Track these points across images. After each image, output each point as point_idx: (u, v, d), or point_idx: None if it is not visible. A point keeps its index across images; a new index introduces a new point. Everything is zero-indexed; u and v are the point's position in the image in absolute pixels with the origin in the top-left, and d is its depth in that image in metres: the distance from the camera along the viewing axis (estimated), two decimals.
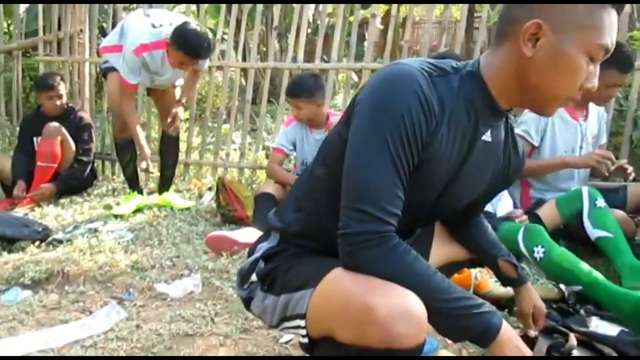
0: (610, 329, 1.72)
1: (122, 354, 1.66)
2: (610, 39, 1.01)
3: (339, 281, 1.00)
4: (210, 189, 3.75)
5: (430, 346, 1.60)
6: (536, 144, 2.67)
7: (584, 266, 2.01)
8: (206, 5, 4.41)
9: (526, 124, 2.69)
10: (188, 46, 2.89)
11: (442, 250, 1.42)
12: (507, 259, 1.44)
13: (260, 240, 1.30)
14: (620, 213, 2.42)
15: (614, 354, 1.58)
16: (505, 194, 2.60)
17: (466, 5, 3.68)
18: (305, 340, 1.08)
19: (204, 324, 1.85)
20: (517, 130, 2.69)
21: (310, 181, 1.19)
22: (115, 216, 3.16)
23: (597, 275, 1.97)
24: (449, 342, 1.72)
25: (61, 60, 4.45)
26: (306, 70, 3.50)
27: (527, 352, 1.04)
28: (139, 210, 3.29)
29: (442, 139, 1.04)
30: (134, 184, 3.45)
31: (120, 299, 2.09)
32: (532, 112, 1.27)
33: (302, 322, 1.07)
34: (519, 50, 1.01)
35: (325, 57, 5.03)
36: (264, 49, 6.70)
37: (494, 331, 1.00)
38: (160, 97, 3.41)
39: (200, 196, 3.68)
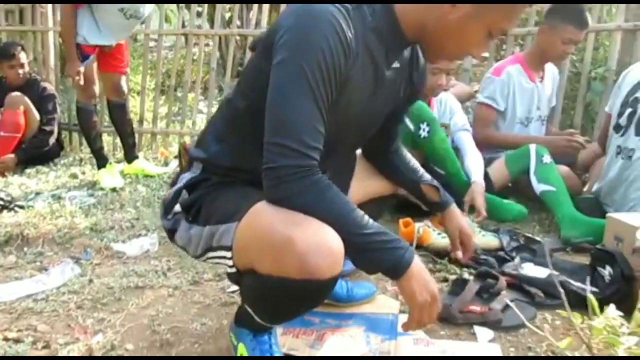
0: (540, 272, 1.82)
1: (72, 305, 1.71)
2: (512, 25, 1.11)
3: (261, 214, 1.04)
4: (176, 157, 3.77)
5: (367, 291, 1.68)
6: (502, 110, 2.75)
7: (454, 158, 2.45)
8: None
9: (489, 90, 2.75)
10: None
11: (363, 185, 1.48)
12: (429, 183, 1.50)
13: (182, 171, 1.31)
14: (565, 169, 2.52)
15: (540, 294, 1.68)
16: (458, 108, 2.70)
17: None
18: (233, 270, 1.13)
19: (156, 278, 1.91)
20: (480, 98, 2.77)
21: (231, 112, 1.22)
22: (112, 189, 3.08)
23: (459, 170, 2.43)
24: (389, 288, 1.80)
25: (23, 30, 4.40)
26: None
27: (434, 287, 1.11)
28: None
29: (358, 71, 1.09)
30: (103, 156, 3.38)
31: (77, 258, 2.13)
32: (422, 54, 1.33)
33: (227, 254, 1.11)
34: (441, 7, 1.07)
35: None
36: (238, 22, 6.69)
37: (404, 265, 1.06)
38: (105, 64, 3.27)
39: (167, 164, 3.71)
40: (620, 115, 2.30)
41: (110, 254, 2.19)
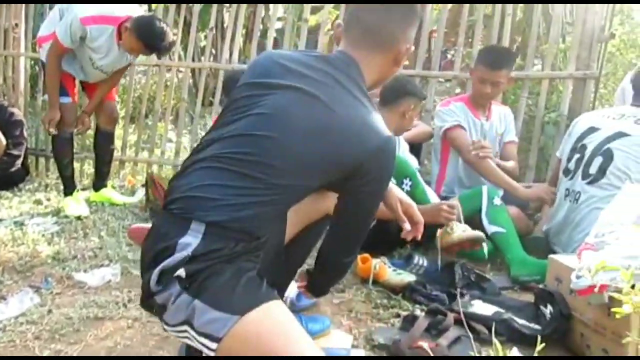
0: (486, 310, 1.91)
1: (30, 336, 1.73)
2: None
3: (263, 329, 1.14)
4: (143, 185, 3.79)
5: (322, 325, 1.74)
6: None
7: None
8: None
9: (448, 115, 2.90)
10: (151, 39, 2.88)
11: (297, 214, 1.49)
12: None
13: (176, 232, 1.22)
14: (515, 210, 2.64)
15: (485, 331, 1.77)
16: (406, 148, 2.85)
17: (429, 10, 3.80)
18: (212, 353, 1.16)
19: (116, 309, 1.94)
20: (447, 125, 2.88)
21: (259, 183, 1.22)
22: (77, 217, 3.08)
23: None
24: (344, 323, 1.87)
25: None
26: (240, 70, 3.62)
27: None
28: None
29: None
30: (72, 183, 3.41)
31: (37, 287, 2.15)
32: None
33: (212, 345, 1.14)
34: (395, 61, 1.39)
35: None
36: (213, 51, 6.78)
37: None
38: (95, 90, 3.39)
39: (134, 193, 3.73)
40: (569, 160, 2.46)
41: (71, 283, 2.21)
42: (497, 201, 2.53)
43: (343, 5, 3.86)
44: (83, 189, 3.62)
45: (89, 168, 4.04)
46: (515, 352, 0.84)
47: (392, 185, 1.55)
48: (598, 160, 2.29)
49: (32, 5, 4.38)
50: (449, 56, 6.37)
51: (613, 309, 0.95)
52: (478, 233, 2.24)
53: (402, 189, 2.44)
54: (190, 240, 1.18)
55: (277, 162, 1.22)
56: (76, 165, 4.06)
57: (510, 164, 2.94)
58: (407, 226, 1.50)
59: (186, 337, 1.18)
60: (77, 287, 2.17)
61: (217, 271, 1.17)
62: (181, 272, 1.16)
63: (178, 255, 1.17)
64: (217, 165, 1.25)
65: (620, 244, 1.62)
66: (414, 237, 1.54)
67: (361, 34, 1.35)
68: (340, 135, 1.23)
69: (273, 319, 1.16)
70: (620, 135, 2.27)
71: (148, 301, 1.23)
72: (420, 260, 2.30)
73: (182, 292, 1.16)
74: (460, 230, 2.22)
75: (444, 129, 2.90)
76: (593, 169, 2.31)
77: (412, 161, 2.78)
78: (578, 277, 1.53)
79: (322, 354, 1.17)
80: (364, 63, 1.34)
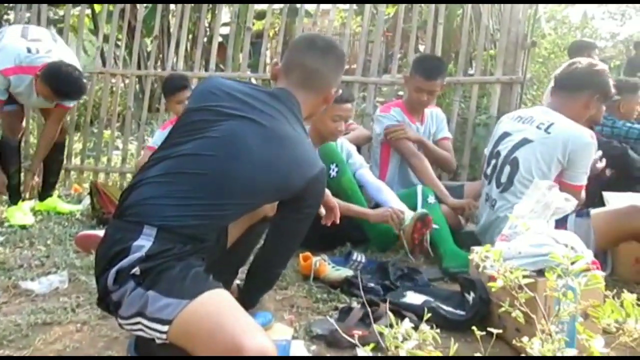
0: (417, 299, 2.08)
1: None
2: None
3: (211, 309, 1.26)
4: (89, 193, 3.80)
5: (264, 319, 1.85)
6: None
7: (361, 197, 2.69)
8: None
9: (387, 119, 3.05)
10: (57, 87, 2.97)
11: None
12: None
13: (130, 236, 1.35)
14: (446, 208, 2.83)
15: (414, 318, 1.93)
16: (354, 150, 2.96)
17: (367, 18, 3.98)
18: (161, 341, 1.28)
19: (64, 314, 1.98)
20: (383, 127, 3.03)
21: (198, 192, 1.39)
22: (21, 227, 3.07)
23: (366, 210, 2.64)
24: (285, 317, 1.99)
25: None
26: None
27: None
28: None
29: None
30: (17, 193, 3.40)
31: None
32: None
33: (163, 328, 1.26)
34: (325, 100, 1.66)
35: (222, 67, 5.21)
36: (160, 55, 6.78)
37: None
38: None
39: (80, 201, 3.73)
40: (488, 164, 2.61)
41: (18, 292, 2.22)
42: (431, 199, 2.71)
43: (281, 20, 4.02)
44: (28, 199, 3.60)
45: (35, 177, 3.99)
46: (407, 323, 0.98)
47: None
48: (507, 170, 2.43)
49: None
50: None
51: (489, 284, 1.13)
52: (420, 211, 2.53)
53: (329, 175, 2.58)
54: (144, 243, 1.33)
55: (226, 183, 1.39)
56: (21, 174, 4.03)
57: (446, 154, 3.16)
58: (322, 211, 1.81)
59: (139, 329, 1.30)
60: (24, 295, 2.19)
61: (169, 266, 1.32)
62: (136, 270, 1.30)
63: (133, 256, 1.32)
64: (167, 180, 1.40)
65: (529, 234, 1.81)
66: (334, 222, 1.86)
67: (302, 78, 1.58)
68: (285, 165, 1.43)
69: (219, 301, 1.29)
70: (524, 142, 2.38)
71: (105, 300, 1.36)
72: (358, 257, 2.44)
73: (137, 287, 1.30)
74: (409, 218, 2.50)
75: (387, 125, 3.04)
76: (504, 178, 2.45)
77: (359, 159, 2.90)
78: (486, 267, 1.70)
79: (265, 333, 1.30)
80: (302, 101, 1.57)
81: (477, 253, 1.13)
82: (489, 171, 2.57)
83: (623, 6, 12.72)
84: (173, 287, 1.28)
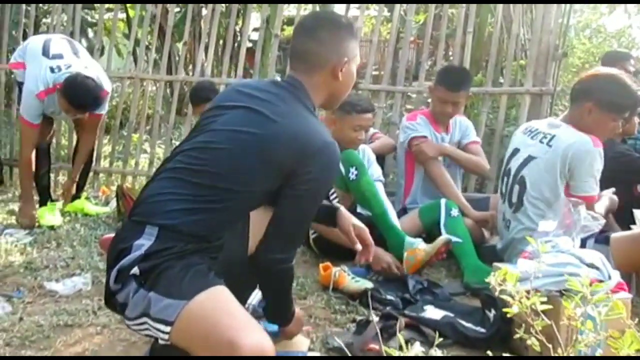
0: (436, 314, 2.04)
1: (0, 343, 1.80)
2: None
3: (207, 308, 1.26)
4: (116, 196, 3.86)
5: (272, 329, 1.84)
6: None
7: (380, 200, 2.61)
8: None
9: (414, 127, 3.01)
10: (72, 99, 3.03)
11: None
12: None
13: (133, 236, 1.36)
14: (470, 221, 2.79)
15: (433, 334, 1.90)
16: (374, 159, 2.96)
17: (396, 25, 3.97)
18: (165, 342, 1.29)
19: (86, 317, 2.02)
20: (412, 135, 3.00)
21: (205, 188, 1.39)
22: (50, 227, 3.14)
23: (386, 211, 2.59)
24: (304, 328, 1.98)
25: None
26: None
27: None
28: None
29: None
30: (47, 194, 3.51)
31: (9, 296, 2.22)
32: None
33: (166, 328, 1.26)
34: (334, 76, 1.56)
35: (251, 72, 5.24)
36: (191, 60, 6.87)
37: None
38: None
39: (107, 203, 3.80)
40: (502, 181, 2.55)
41: (42, 292, 2.28)
42: (455, 212, 2.67)
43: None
44: (57, 200, 3.68)
45: (64, 179, 4.09)
46: (417, 347, 0.96)
47: (346, 211, 1.72)
48: (516, 189, 2.39)
49: (7, 15, 4.44)
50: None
51: (504, 309, 1.09)
52: (445, 237, 2.49)
53: (349, 177, 2.60)
54: (144, 242, 1.34)
55: (224, 169, 1.39)
56: (50, 175, 4.13)
57: (475, 159, 3.09)
58: (358, 247, 1.66)
59: (146, 329, 1.32)
60: (48, 296, 2.25)
61: (169, 266, 1.31)
62: (135, 270, 1.31)
63: (133, 255, 1.33)
64: (173, 175, 1.43)
65: (553, 252, 1.77)
66: (366, 259, 1.70)
67: (296, 60, 1.58)
68: (281, 140, 1.40)
69: (216, 300, 1.28)
70: (530, 159, 2.34)
71: (111, 301, 1.38)
72: None
73: (139, 289, 1.30)
74: (424, 253, 2.45)
75: (411, 137, 3.01)
76: (514, 198, 2.40)
77: (377, 171, 2.90)
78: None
79: (262, 330, 1.29)
80: (308, 84, 1.54)
81: (494, 276, 1.09)
82: (503, 189, 2.52)
83: None
84: (172, 287, 1.28)
